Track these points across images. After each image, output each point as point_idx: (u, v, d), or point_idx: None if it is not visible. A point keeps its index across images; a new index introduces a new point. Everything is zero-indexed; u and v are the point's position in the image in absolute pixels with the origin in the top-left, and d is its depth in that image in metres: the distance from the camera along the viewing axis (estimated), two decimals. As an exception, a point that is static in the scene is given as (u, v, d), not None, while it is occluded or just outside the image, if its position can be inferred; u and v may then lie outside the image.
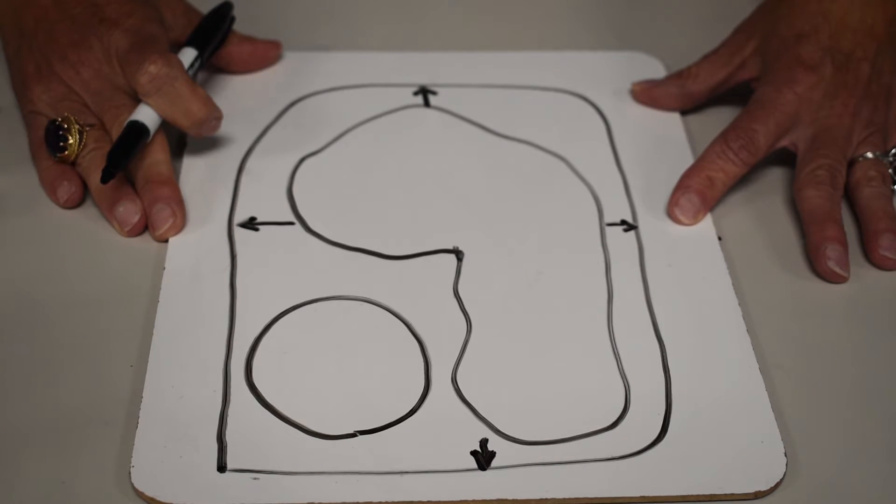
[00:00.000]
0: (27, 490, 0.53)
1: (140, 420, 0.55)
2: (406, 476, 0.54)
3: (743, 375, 0.59)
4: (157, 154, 0.67)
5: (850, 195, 0.70)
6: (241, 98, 0.75)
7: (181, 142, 0.71)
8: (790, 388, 0.59)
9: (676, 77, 0.76)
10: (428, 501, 0.53)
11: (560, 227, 0.67)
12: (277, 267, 0.64)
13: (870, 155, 0.70)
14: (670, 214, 0.68)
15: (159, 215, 0.65)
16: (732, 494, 0.54)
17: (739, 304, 0.63)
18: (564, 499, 0.53)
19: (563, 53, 0.80)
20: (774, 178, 0.72)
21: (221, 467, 0.54)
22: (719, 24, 0.78)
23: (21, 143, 0.70)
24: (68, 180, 0.66)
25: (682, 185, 0.68)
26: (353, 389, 0.58)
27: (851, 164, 0.70)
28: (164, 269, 0.63)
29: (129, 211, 0.65)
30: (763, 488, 0.54)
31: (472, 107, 0.75)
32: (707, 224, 0.68)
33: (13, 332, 0.60)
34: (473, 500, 0.53)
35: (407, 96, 0.76)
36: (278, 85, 0.76)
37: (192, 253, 0.64)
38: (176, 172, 0.69)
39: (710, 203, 0.68)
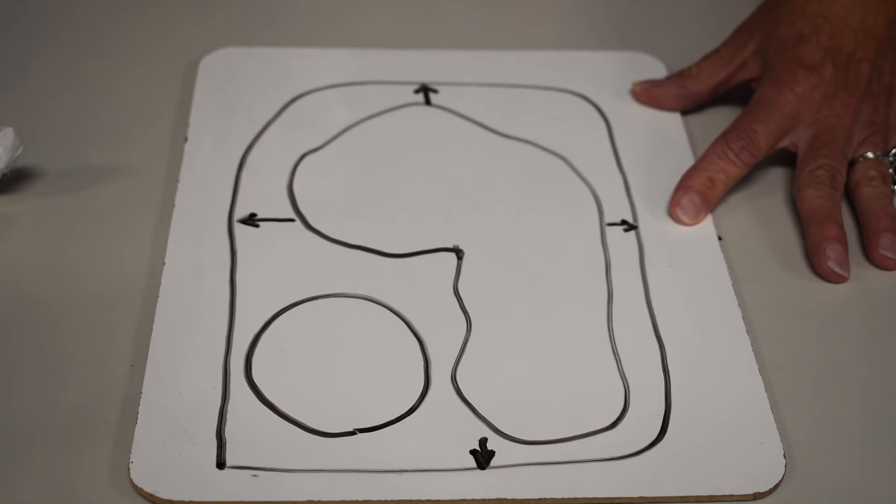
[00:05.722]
0: (27, 489, 0.53)
1: (139, 416, 0.55)
2: (405, 475, 0.54)
3: (742, 375, 0.59)
4: None
5: (850, 195, 0.70)
6: (241, 94, 0.75)
7: (182, 137, 0.71)
8: (790, 388, 0.59)
9: (677, 77, 0.76)
10: (427, 500, 0.53)
11: (560, 226, 0.67)
12: (277, 264, 0.64)
13: (870, 155, 0.70)
14: (672, 214, 0.68)
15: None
16: (731, 496, 0.54)
17: (739, 305, 0.63)
18: (563, 499, 0.53)
19: (564, 53, 0.80)
20: (774, 178, 0.72)
21: (221, 464, 0.54)
22: (719, 24, 0.78)
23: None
24: None
25: (683, 185, 0.68)
26: (352, 387, 0.58)
27: (852, 164, 0.70)
28: (164, 265, 0.63)
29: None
30: (762, 490, 0.54)
31: (472, 105, 0.75)
32: (707, 224, 0.68)
33: (14, 330, 0.60)
34: (472, 500, 0.53)
35: (408, 94, 0.76)
36: (279, 81, 0.76)
37: (192, 249, 0.64)
38: (176, 169, 0.69)
39: (711, 203, 0.68)
